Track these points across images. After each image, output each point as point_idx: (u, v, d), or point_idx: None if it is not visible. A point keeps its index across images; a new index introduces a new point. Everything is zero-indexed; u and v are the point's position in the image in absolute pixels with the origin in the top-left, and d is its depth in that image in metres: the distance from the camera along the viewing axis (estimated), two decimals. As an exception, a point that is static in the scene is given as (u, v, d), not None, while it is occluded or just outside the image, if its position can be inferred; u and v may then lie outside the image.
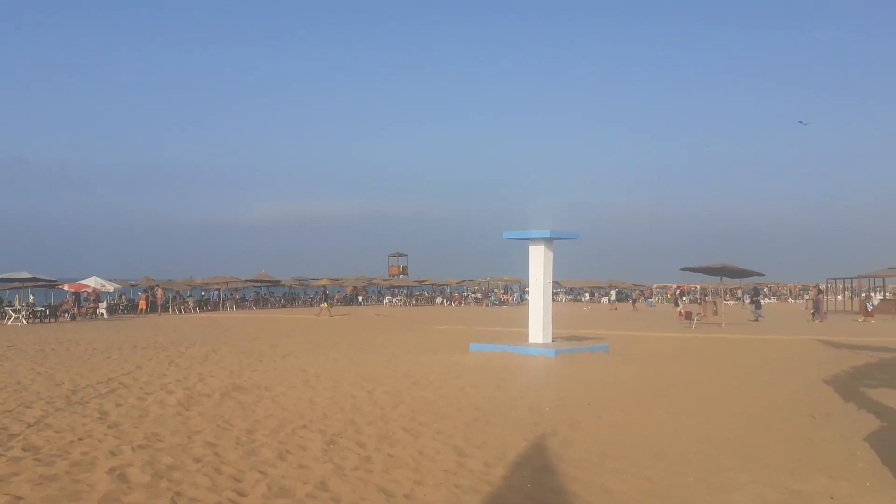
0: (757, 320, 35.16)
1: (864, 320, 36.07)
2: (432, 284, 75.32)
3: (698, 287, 68.16)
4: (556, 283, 73.42)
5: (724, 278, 36.01)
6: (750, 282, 62.11)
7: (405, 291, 72.97)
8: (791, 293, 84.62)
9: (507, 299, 71.82)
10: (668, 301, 70.98)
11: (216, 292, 57.97)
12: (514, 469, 7.23)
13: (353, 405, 10.66)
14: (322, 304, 45.69)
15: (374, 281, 73.36)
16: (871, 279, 55.23)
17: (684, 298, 51.08)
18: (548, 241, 18.49)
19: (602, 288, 79.54)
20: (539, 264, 18.46)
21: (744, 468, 7.16)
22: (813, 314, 36.74)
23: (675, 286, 78.11)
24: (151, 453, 7.68)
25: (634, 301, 62.31)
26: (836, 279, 59.23)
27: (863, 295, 46.06)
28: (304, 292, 68.66)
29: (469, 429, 9.04)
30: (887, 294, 58.50)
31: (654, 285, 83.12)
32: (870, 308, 38.26)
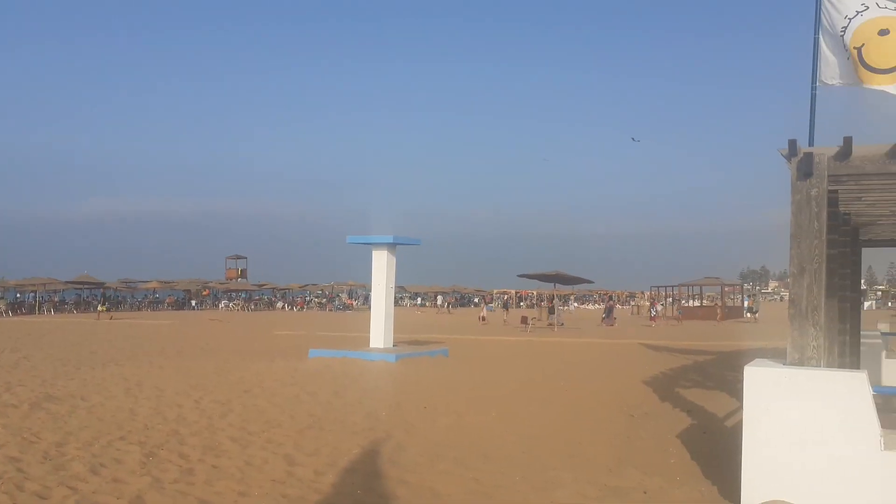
0: (552, 325, 35.79)
1: (652, 325, 39.40)
2: (273, 288, 73.47)
3: (535, 293, 70.97)
4: (400, 288, 73.93)
5: (557, 284, 37.64)
6: (581, 288, 65.51)
7: (243, 295, 70.66)
8: (619, 299, 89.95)
9: (352, 304, 71.38)
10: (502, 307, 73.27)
11: (32, 294, 53.47)
12: (345, 476, 7.08)
13: (177, 415, 10.06)
14: (100, 308, 43.18)
15: (210, 284, 70.55)
16: (690, 287, 59.90)
17: (522, 304, 52.61)
18: (391, 246, 18.49)
19: (446, 293, 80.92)
20: (382, 269, 18.42)
21: (567, 466, 7.41)
22: (603, 318, 39.91)
23: (514, 292, 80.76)
24: (-60, 472, 6.85)
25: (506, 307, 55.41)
26: (659, 286, 63.71)
27: (649, 303, 50.89)
28: (132, 296, 64.82)
29: (301, 437, 8.77)
30: (704, 301, 63.50)
31: (495, 290, 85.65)
32: (653, 314, 42.72)
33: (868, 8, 8.80)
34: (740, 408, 6.26)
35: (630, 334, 30.23)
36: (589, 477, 7.03)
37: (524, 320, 34.04)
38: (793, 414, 5.99)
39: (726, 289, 57.98)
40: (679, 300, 58.34)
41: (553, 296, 44.19)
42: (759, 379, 6.19)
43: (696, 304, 60.84)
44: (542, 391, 12.74)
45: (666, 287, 62.63)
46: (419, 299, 78.23)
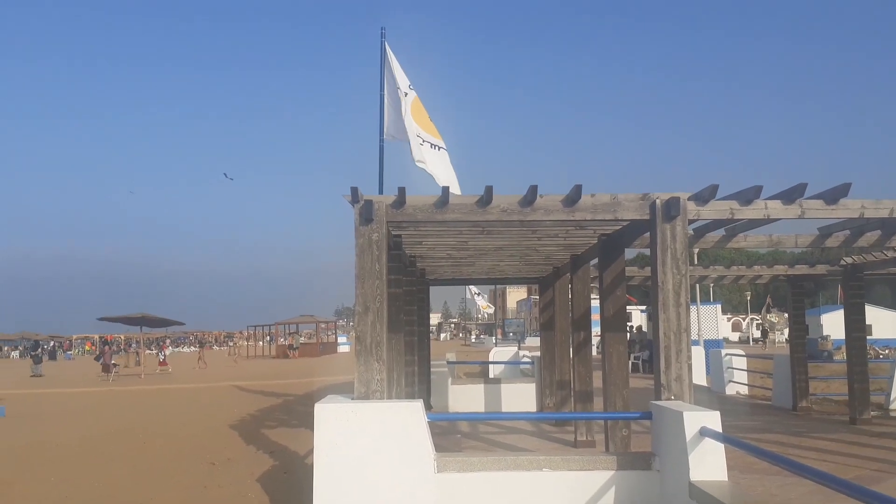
0: (35, 375, 34.00)
1: (200, 366, 37.40)
2: None
3: (122, 337, 65.81)
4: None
5: (144, 328, 35.25)
6: (173, 330, 62.40)
7: None
8: (216, 340, 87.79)
9: None
10: (90, 353, 66.58)
11: None
12: None
13: None
14: None
15: None
16: (287, 325, 60.94)
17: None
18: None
19: (13, 340, 70.51)
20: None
21: (132, 530, 6.78)
22: (100, 362, 34.33)
23: (97, 337, 73.76)
24: None
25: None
26: (256, 326, 63.64)
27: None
28: None
29: None
30: (302, 338, 65.13)
31: (75, 336, 77.23)
32: (161, 358, 37.07)
33: (412, 89, 10.47)
34: (318, 445, 6.36)
35: (228, 377, 29.50)
36: (156, 538, 6.51)
37: (106, 369, 31.08)
38: (358, 446, 6.26)
39: (322, 325, 60.27)
40: (293, 337, 58.93)
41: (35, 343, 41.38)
42: (327, 415, 6.36)
43: (303, 340, 62.23)
44: (115, 448, 11.61)
45: (264, 326, 62.85)
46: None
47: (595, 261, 10.48)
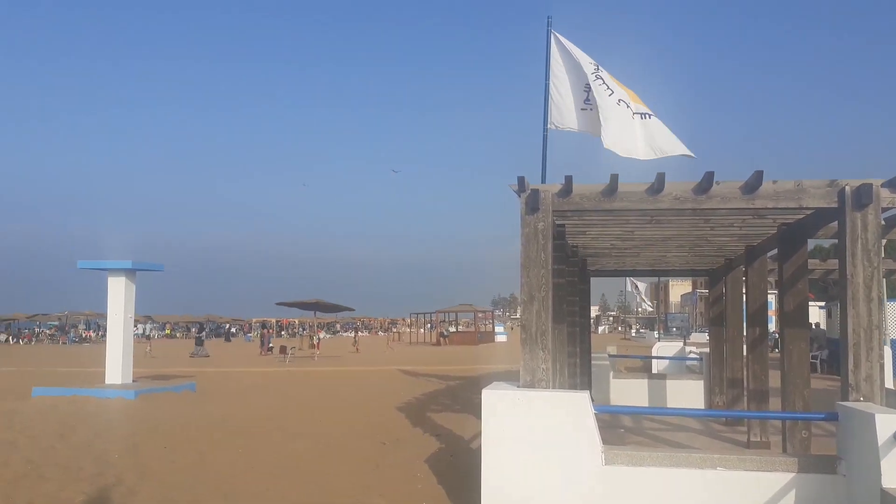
0: (195, 355, 36.11)
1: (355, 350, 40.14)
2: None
3: (297, 321, 69.84)
4: (147, 318, 69.00)
5: (317, 313, 37.29)
6: (342, 316, 65.60)
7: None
8: (381, 326, 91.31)
9: (90, 335, 65.27)
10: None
11: None
12: (62, 530, 6.32)
13: None
14: None
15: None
16: (447, 313, 62.32)
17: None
18: (129, 272, 17.11)
19: (200, 322, 76.75)
20: (119, 297, 16.96)
21: (310, 500, 7.23)
22: (261, 347, 39.85)
23: (274, 321, 78.81)
24: None
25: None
26: (418, 313, 65.57)
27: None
28: None
29: (14, 486, 7.73)
30: (460, 326, 66.43)
31: (254, 319, 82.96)
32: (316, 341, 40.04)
33: (598, 68, 9.83)
34: (484, 430, 6.51)
35: (391, 361, 30.68)
36: (333, 509, 6.91)
37: (283, 350, 33.23)
38: (525, 433, 6.34)
39: (479, 314, 61.12)
40: (444, 325, 60.42)
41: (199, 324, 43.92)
42: (494, 401, 6.48)
43: (453, 329, 63.53)
44: (294, 423, 12.40)
45: (425, 314, 64.60)
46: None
47: (772, 252, 9.92)
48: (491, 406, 6.48)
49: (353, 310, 43.69)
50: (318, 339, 38.38)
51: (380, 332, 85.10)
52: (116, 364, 16.92)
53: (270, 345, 39.12)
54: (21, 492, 7.52)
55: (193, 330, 56.83)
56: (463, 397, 15.67)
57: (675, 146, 9.12)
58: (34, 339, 62.79)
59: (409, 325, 70.66)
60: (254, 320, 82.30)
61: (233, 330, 74.90)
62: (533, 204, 6.65)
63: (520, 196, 6.74)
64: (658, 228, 9.15)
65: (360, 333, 76.15)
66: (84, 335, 64.81)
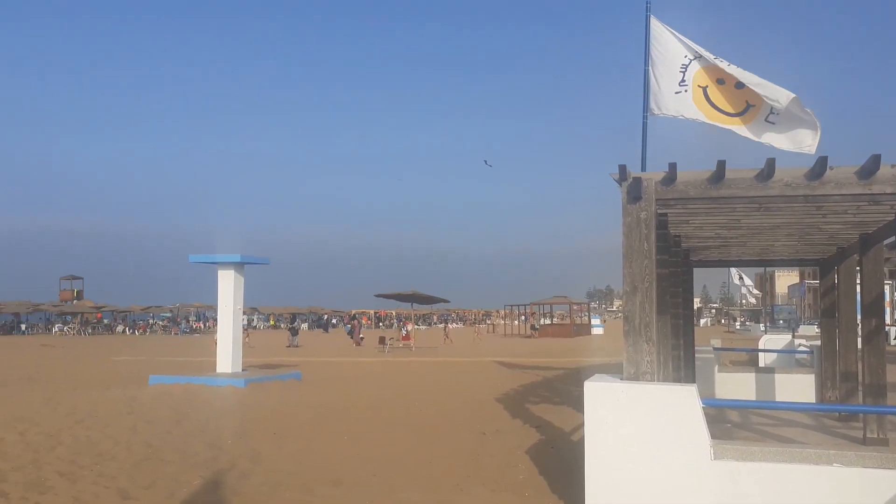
0: (290, 346, 36.89)
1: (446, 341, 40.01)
2: (112, 311, 69.11)
3: (393, 313, 71.02)
4: (253, 310, 71.70)
5: (414, 304, 37.82)
6: (438, 307, 66.21)
7: (80, 319, 66.04)
8: (475, 318, 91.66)
9: (199, 326, 68.41)
10: (366, 327, 72.86)
11: None
12: (183, 510, 6.69)
13: (-3, 450, 9.17)
14: None
15: (42, 307, 65.34)
16: (541, 305, 62.02)
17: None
18: (238, 265, 17.85)
19: (303, 314, 79.26)
20: (228, 290, 17.73)
21: (415, 487, 7.36)
22: (352, 338, 40.26)
23: (372, 312, 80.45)
24: None
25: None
26: (512, 306, 65.48)
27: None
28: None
29: (137, 469, 8.22)
30: (554, 319, 65.96)
31: (353, 311, 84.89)
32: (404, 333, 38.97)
33: (700, 56, 9.50)
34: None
35: (487, 352, 30.80)
36: (437, 497, 7.02)
37: (382, 341, 33.90)
38: (630, 427, 6.25)
39: (574, 307, 60.48)
40: (534, 318, 60.21)
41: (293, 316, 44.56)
42: (597, 394, 6.41)
43: (548, 321, 63.15)
44: (395, 412, 12.66)
45: (519, 306, 64.43)
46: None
47: (889, 240, 9.39)
48: (594, 398, 6.41)
49: (449, 301, 44.14)
50: (408, 330, 38.73)
51: (475, 325, 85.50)
52: (227, 353, 17.71)
53: (361, 336, 39.99)
54: (143, 474, 7.99)
55: (291, 321, 58.66)
56: (561, 389, 15.58)
57: (797, 140, 8.69)
58: (148, 329, 66.36)
59: (504, 318, 70.66)
60: (353, 311, 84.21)
61: (333, 321, 76.94)
62: (635, 192, 6.53)
63: (621, 185, 6.63)
64: (766, 216, 8.80)
65: (454, 325, 76.86)
66: (194, 326, 67.98)
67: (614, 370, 7.28)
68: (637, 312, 6.62)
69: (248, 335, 43.76)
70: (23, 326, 62.07)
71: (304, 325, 72.97)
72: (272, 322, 77.80)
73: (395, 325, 55.45)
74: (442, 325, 55.19)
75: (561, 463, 8.32)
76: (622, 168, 6.54)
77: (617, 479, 6.23)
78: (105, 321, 67.91)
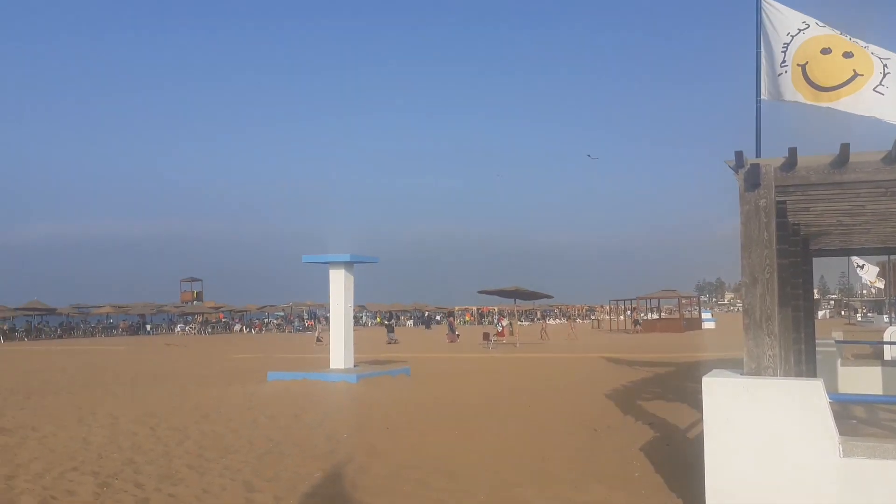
0: (389, 342, 37.09)
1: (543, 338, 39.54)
2: (230, 311, 72.34)
3: (496, 309, 71.05)
4: (361, 308, 73.47)
5: (517, 300, 37.74)
6: (541, 303, 65.85)
7: (201, 318, 69.51)
8: (579, 313, 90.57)
9: (312, 324, 70.63)
10: (469, 323, 73.41)
11: (-19, 323, 51.83)
12: (306, 500, 6.95)
13: (132, 443, 9.79)
14: None
15: (165, 308, 69.15)
16: (648, 300, 60.59)
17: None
18: (348, 264, 18.35)
19: (408, 311, 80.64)
20: (339, 288, 18.26)
21: (530, 482, 7.37)
22: (448, 334, 40.52)
23: (475, 308, 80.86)
24: None
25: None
26: (617, 300, 64.25)
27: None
28: (85, 321, 63.17)
29: (260, 462, 8.60)
30: (662, 314, 64.34)
31: (456, 307, 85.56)
32: (499, 328, 37.54)
33: (809, 27, 9.00)
34: (701, 419, 6.30)
35: (591, 348, 30.42)
36: (554, 493, 7.00)
37: (486, 337, 34.02)
38: (752, 423, 6.04)
39: (683, 301, 58.78)
40: (637, 312, 58.90)
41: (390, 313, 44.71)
42: (717, 389, 6.24)
43: (655, 316, 61.66)
44: (505, 408, 12.70)
45: (624, 300, 63.17)
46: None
47: None
48: (713, 394, 6.24)
49: (552, 297, 43.76)
50: (503, 326, 38.29)
51: (577, 320, 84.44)
52: (339, 350, 18.25)
53: (457, 333, 40.35)
54: (266, 467, 8.35)
55: (388, 318, 59.80)
56: (674, 386, 15.19)
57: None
58: (263, 328, 69.07)
59: (609, 313, 69.43)
60: (456, 308, 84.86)
61: (437, 318, 77.79)
62: (753, 179, 6.30)
63: (737, 172, 6.41)
64: (894, 201, 8.31)
65: (556, 321, 76.20)
66: (307, 324, 70.26)
67: (731, 366, 7.05)
68: (758, 305, 6.40)
69: (318, 331, 44.67)
70: (148, 327, 65.83)
71: (409, 322, 74.24)
72: (378, 319, 79.50)
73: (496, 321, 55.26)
74: (549, 321, 54.82)
75: (677, 460, 8.13)
76: (739, 154, 6.33)
77: (739, 476, 6.04)
78: (223, 320, 71.18)
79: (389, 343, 37.41)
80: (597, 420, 11.04)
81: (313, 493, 7.17)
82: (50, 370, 23.35)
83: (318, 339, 41.57)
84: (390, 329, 40.80)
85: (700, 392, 6.27)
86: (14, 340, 49.68)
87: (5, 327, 54.34)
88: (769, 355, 6.38)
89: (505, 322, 37.45)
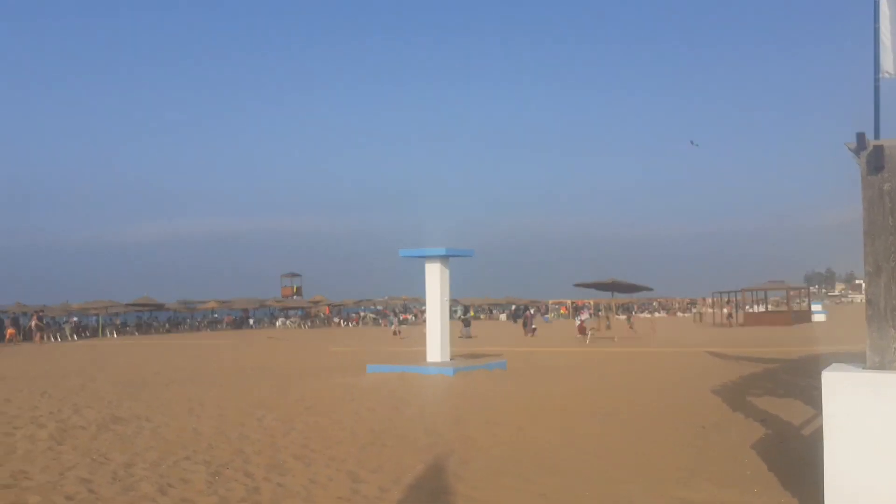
0: (462, 337, 36.02)
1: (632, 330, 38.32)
2: (328, 305, 74.14)
3: (592, 302, 70.12)
4: (453, 301, 73.84)
5: (615, 293, 37.04)
6: (640, 296, 64.42)
7: (300, 313, 71.50)
8: (679, 306, 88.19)
9: (407, 318, 71.57)
10: (563, 316, 72.67)
11: (94, 318, 54.95)
12: (411, 492, 6.99)
13: (240, 434, 10.13)
14: None
15: (267, 302, 71.52)
16: (754, 292, 58.27)
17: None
18: (444, 258, 18.44)
19: (500, 305, 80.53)
20: (435, 282, 18.38)
21: (636, 480, 7.19)
22: (525, 329, 39.42)
23: (570, 302, 79.93)
24: (17, 493, 6.98)
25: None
26: (721, 292, 62.07)
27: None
28: (192, 316, 66.05)
29: (364, 453, 8.73)
30: (769, 306, 61.82)
31: (550, 301, 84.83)
32: (578, 322, 35.82)
33: None
34: (817, 415, 5.99)
35: (692, 342, 29.54)
36: (661, 490, 6.80)
37: (582, 330, 33.56)
38: (876, 420, 5.68)
39: (791, 292, 56.26)
40: (740, 306, 56.82)
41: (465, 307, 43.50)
42: (837, 385, 5.89)
43: (762, 308, 59.32)
44: (604, 402, 12.46)
45: (729, 293, 60.92)
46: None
47: None
48: (833, 390, 5.89)
49: (652, 290, 42.68)
50: (582, 319, 36.06)
51: (678, 314, 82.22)
52: (436, 343, 18.39)
53: (534, 326, 39.73)
54: (370, 458, 8.46)
55: (464, 312, 59.72)
56: (785, 381, 14.52)
57: None
58: (360, 322, 70.46)
59: (711, 306, 67.24)
60: (550, 301, 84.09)
61: (531, 311, 77.26)
62: (876, 162, 5.91)
63: (858, 155, 6.03)
64: None
65: (657, 314, 74.43)
66: (402, 318, 71.27)
67: (849, 359, 6.66)
68: (882, 295, 6.00)
69: (396, 325, 44.65)
70: (251, 321, 68.23)
71: (502, 316, 74.09)
72: (472, 313, 79.74)
73: (601, 314, 54.03)
74: (646, 314, 53.38)
75: (792, 459, 7.76)
76: (860, 136, 5.95)
77: (861, 476, 5.69)
78: (323, 315, 73.07)
79: (461, 338, 35.72)
80: (703, 416, 10.68)
81: (417, 485, 7.21)
82: (160, 363, 24.52)
83: (395, 332, 42.38)
84: (466, 323, 40.27)
85: (815, 388, 5.96)
86: (126, 335, 52.44)
87: (118, 322, 57.36)
88: (894, 348, 5.98)
89: (584, 316, 35.70)
